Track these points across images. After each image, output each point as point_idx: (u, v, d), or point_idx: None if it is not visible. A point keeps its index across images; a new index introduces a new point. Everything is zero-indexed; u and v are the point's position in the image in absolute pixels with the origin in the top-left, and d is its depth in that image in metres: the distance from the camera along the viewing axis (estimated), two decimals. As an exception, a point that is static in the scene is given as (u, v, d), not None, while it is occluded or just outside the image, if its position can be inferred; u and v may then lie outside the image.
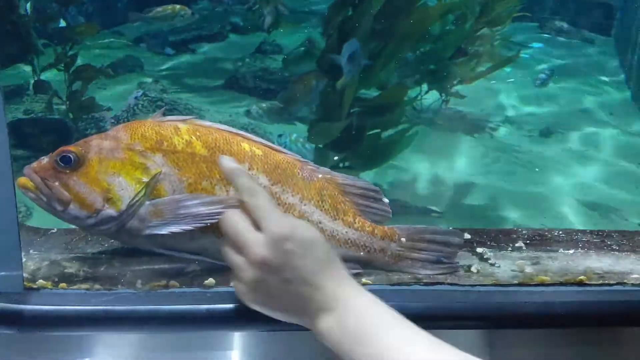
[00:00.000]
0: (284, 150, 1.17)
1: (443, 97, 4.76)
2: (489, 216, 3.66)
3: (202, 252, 1.13)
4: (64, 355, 1.14)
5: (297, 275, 0.87)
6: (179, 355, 1.16)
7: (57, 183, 1.05)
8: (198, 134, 1.11)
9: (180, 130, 1.11)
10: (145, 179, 1.06)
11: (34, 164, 1.07)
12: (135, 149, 1.08)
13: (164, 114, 1.14)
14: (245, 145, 1.13)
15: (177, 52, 5.84)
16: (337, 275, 0.88)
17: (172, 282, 1.12)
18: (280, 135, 4.30)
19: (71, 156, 1.06)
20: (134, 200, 1.05)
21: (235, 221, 0.91)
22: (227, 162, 0.97)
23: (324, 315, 0.86)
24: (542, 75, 4.46)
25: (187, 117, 1.14)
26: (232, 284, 0.90)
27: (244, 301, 0.90)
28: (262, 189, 0.94)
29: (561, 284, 1.15)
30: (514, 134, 4.66)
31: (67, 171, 1.05)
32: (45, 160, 1.07)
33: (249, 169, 1.12)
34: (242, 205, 0.92)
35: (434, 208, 3.68)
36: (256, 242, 0.88)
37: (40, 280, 1.09)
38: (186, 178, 1.09)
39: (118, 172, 1.06)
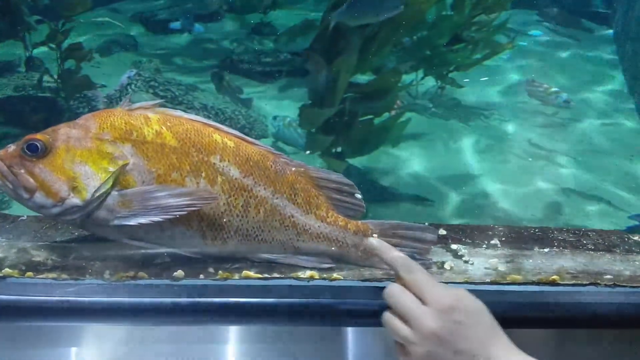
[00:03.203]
0: (257, 142, 1.15)
1: (439, 84, 4.72)
2: (480, 205, 3.65)
3: (172, 243, 1.12)
4: (31, 345, 1.13)
5: (467, 346, 0.87)
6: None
7: (23, 171, 1.04)
8: (169, 124, 1.10)
9: (151, 121, 1.09)
10: (112, 169, 1.05)
11: (1, 152, 1.05)
12: (104, 139, 1.06)
13: (130, 101, 1.12)
14: (217, 137, 1.11)
15: (168, 32, 5.78)
16: (503, 344, 0.89)
17: (141, 273, 1.10)
18: (275, 118, 4.28)
19: (38, 144, 1.04)
20: (100, 190, 1.04)
21: (400, 294, 0.93)
22: (375, 243, 1.01)
23: None
24: (563, 95, 4.26)
25: (156, 101, 1.12)
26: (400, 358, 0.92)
27: None
28: (417, 263, 0.96)
29: (533, 283, 1.14)
30: (508, 123, 4.63)
31: (34, 159, 1.04)
32: (12, 147, 1.06)
33: (220, 161, 1.11)
34: (399, 281, 0.95)
35: (425, 196, 3.67)
36: (425, 315, 0.89)
37: (7, 269, 1.08)
38: (156, 169, 1.07)
39: (85, 161, 1.05)
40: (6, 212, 1.38)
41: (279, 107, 4.64)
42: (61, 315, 1.05)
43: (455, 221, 3.35)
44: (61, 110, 4.08)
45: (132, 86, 4.61)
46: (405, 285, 0.94)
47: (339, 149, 3.61)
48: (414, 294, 0.92)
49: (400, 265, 0.96)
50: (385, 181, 3.80)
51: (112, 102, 4.38)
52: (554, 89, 4.37)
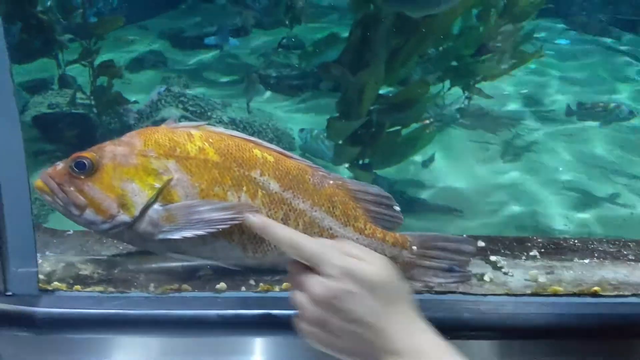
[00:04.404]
0: (296, 156, 1.17)
1: (466, 94, 4.71)
2: (511, 216, 3.62)
3: (214, 256, 1.14)
4: (80, 357, 1.16)
5: (358, 316, 0.84)
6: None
7: (72, 188, 1.07)
8: (211, 140, 1.12)
9: (193, 137, 1.12)
10: (158, 185, 1.07)
11: (50, 170, 1.08)
12: (149, 155, 1.09)
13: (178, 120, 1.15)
14: (257, 152, 1.14)
15: (196, 47, 5.88)
16: (402, 319, 0.85)
17: (185, 286, 1.13)
18: (301, 130, 4.31)
19: (86, 162, 1.07)
20: (147, 206, 1.06)
21: (298, 265, 0.91)
22: (255, 220, 0.99)
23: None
24: (625, 108, 3.96)
25: (201, 122, 1.15)
26: (296, 323, 0.91)
27: (308, 340, 0.89)
28: (303, 235, 0.93)
29: (574, 294, 1.14)
30: (537, 133, 4.59)
31: (82, 177, 1.07)
32: (60, 165, 1.09)
33: (261, 175, 1.13)
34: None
35: (454, 207, 3.65)
36: (317, 282, 0.87)
37: (55, 282, 1.12)
38: (199, 184, 1.10)
39: (131, 178, 1.07)
40: (45, 225, 1.42)
41: (305, 119, 4.67)
42: (108, 328, 1.07)
43: (485, 232, 3.32)
44: (94, 126, 4.17)
45: (162, 102, 4.69)
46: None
47: (367, 161, 3.62)
48: (312, 266, 0.89)
49: (283, 242, 0.92)
50: (413, 192, 3.79)
51: (142, 117, 4.45)
52: (613, 104, 4.08)
